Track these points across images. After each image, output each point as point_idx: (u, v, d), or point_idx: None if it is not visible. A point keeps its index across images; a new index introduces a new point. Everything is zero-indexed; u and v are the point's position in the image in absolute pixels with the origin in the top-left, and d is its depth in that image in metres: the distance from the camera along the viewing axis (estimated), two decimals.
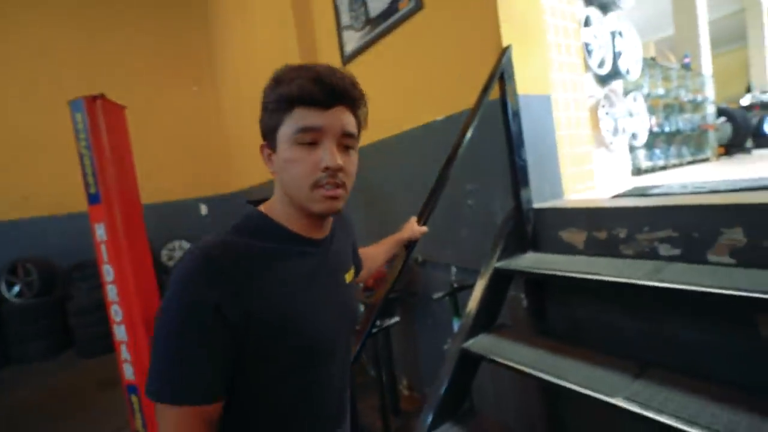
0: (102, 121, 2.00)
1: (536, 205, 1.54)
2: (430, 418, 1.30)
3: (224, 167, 5.81)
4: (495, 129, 1.55)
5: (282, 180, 0.62)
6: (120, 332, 2.02)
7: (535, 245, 1.54)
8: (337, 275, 0.71)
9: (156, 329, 0.53)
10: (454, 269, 1.99)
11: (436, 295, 1.61)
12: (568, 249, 1.42)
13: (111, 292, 2.01)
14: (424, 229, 1.23)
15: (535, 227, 1.53)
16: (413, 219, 1.24)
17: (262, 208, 0.66)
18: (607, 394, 0.98)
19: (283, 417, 0.63)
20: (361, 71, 2.62)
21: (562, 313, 1.52)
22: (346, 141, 0.61)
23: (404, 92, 2.28)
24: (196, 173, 5.71)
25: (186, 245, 4.78)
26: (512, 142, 1.48)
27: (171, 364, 0.51)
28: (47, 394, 3.31)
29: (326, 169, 0.58)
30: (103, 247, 1.99)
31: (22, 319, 4.22)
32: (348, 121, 0.61)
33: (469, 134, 1.38)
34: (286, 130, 0.59)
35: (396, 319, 1.45)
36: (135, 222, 2.14)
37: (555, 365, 1.15)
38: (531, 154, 1.54)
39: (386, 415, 1.62)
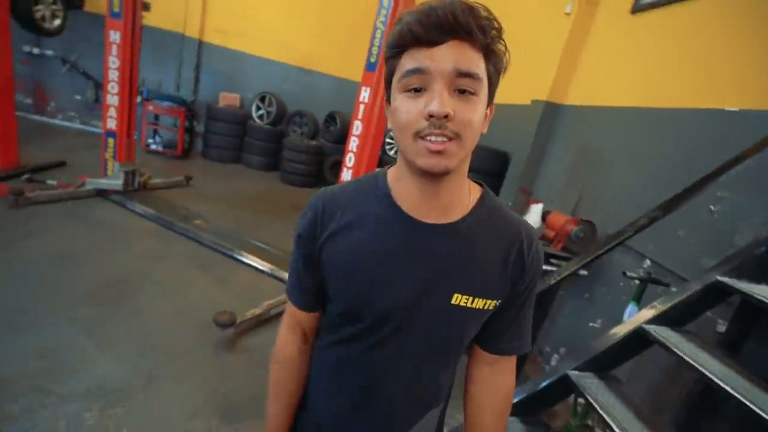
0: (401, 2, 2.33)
1: None
2: (576, 362, 1.45)
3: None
4: None
5: (394, 133, 0.55)
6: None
7: None
8: (429, 279, 0.58)
9: None
10: (648, 262, 1.93)
11: (630, 273, 1.63)
12: None
13: (353, 143, 2.53)
14: None
15: None
16: None
17: (390, 169, 0.62)
18: None
19: (333, 366, 0.67)
20: (647, 26, 2.38)
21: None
22: (461, 82, 0.49)
23: (683, 67, 2.04)
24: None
25: None
26: None
27: None
28: (264, 191, 4.88)
29: (430, 116, 0.49)
30: (361, 107, 2.47)
31: (256, 136, 5.54)
32: (464, 57, 0.49)
33: None
34: (396, 78, 0.53)
35: (585, 272, 1.56)
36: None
37: (746, 387, 1.14)
38: None
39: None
